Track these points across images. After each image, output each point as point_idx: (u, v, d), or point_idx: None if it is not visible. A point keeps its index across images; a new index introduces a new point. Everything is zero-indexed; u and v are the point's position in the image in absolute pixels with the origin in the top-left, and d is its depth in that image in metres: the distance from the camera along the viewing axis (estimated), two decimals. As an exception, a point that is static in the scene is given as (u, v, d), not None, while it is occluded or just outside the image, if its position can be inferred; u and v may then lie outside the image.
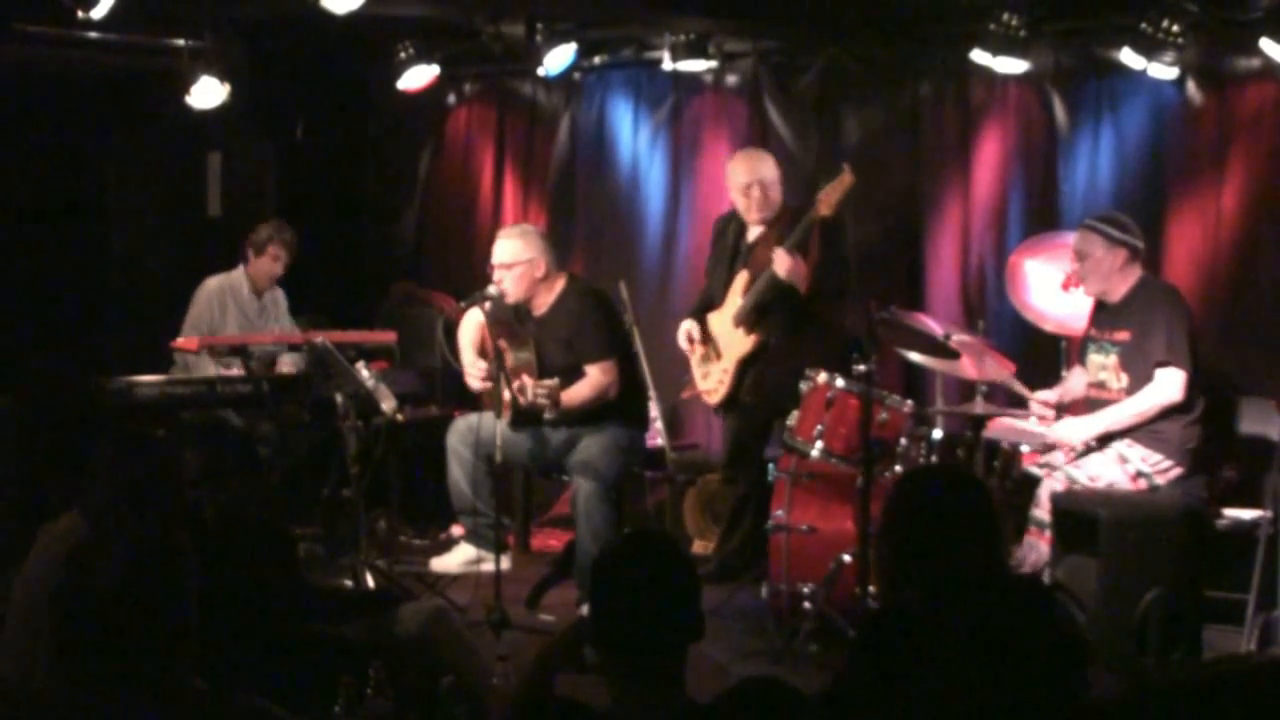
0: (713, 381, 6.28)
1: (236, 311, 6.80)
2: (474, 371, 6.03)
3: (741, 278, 6.17)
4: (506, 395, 5.67)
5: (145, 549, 2.37)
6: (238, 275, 6.88)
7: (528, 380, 5.76)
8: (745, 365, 6.16)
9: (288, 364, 6.63)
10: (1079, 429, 5.31)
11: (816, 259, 5.99)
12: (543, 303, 5.97)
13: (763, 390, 6.13)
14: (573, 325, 5.90)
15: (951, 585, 2.91)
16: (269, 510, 6.29)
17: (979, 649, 2.85)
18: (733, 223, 6.33)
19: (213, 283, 6.83)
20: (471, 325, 6.09)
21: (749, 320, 6.10)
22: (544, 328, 5.98)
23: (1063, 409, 5.63)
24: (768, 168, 6.16)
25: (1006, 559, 3.11)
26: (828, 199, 5.84)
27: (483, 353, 6.02)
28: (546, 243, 6.05)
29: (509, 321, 6.06)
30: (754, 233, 6.21)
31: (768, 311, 6.07)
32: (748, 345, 6.13)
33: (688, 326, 6.31)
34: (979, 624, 2.86)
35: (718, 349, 6.25)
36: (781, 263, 5.88)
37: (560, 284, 5.99)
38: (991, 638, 2.86)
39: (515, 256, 5.89)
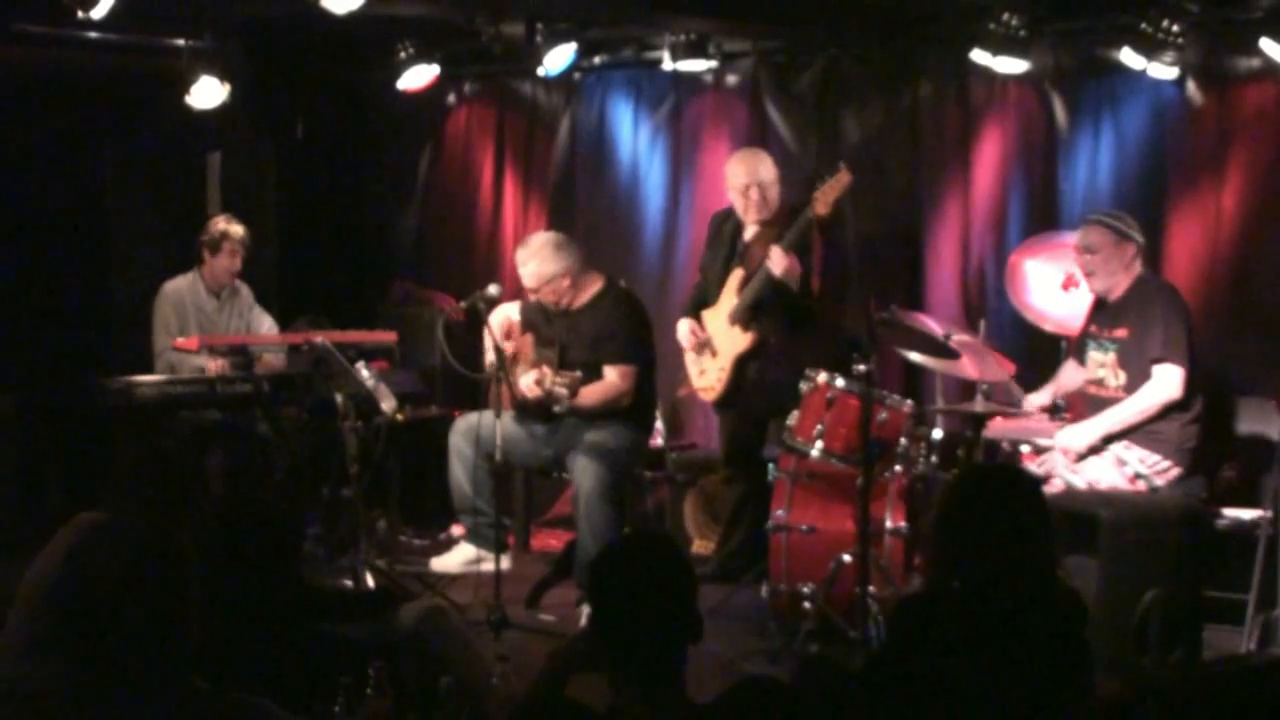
0: (710, 379, 6.29)
1: (195, 313, 6.74)
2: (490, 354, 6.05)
3: (736, 275, 6.17)
4: (507, 392, 5.67)
5: (145, 548, 2.37)
6: (192, 278, 6.81)
7: (547, 370, 5.78)
8: (742, 363, 6.17)
9: (269, 360, 6.55)
10: (1080, 435, 5.31)
11: (820, 258, 5.98)
12: (577, 300, 6.00)
13: (764, 389, 6.14)
14: (603, 328, 5.93)
15: (994, 581, 2.92)
16: (277, 509, 6.27)
17: (1004, 646, 2.86)
18: (730, 220, 6.33)
19: (169, 288, 6.78)
20: (501, 318, 6.15)
21: (744, 318, 6.11)
22: (573, 323, 6.00)
23: (1060, 410, 5.63)
24: (766, 169, 6.16)
25: (1056, 565, 3.14)
26: (824, 198, 5.82)
27: (506, 337, 6.05)
28: (566, 248, 6.01)
29: (536, 320, 6.10)
30: (750, 231, 6.22)
31: (763, 310, 6.07)
32: (744, 343, 6.13)
33: (690, 325, 6.31)
34: (1010, 623, 2.87)
35: (713, 347, 6.25)
36: (777, 262, 5.88)
37: (597, 285, 6.03)
38: (1017, 638, 2.87)
39: (539, 279, 5.94)
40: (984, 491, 3.11)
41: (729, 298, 6.20)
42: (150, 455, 3.70)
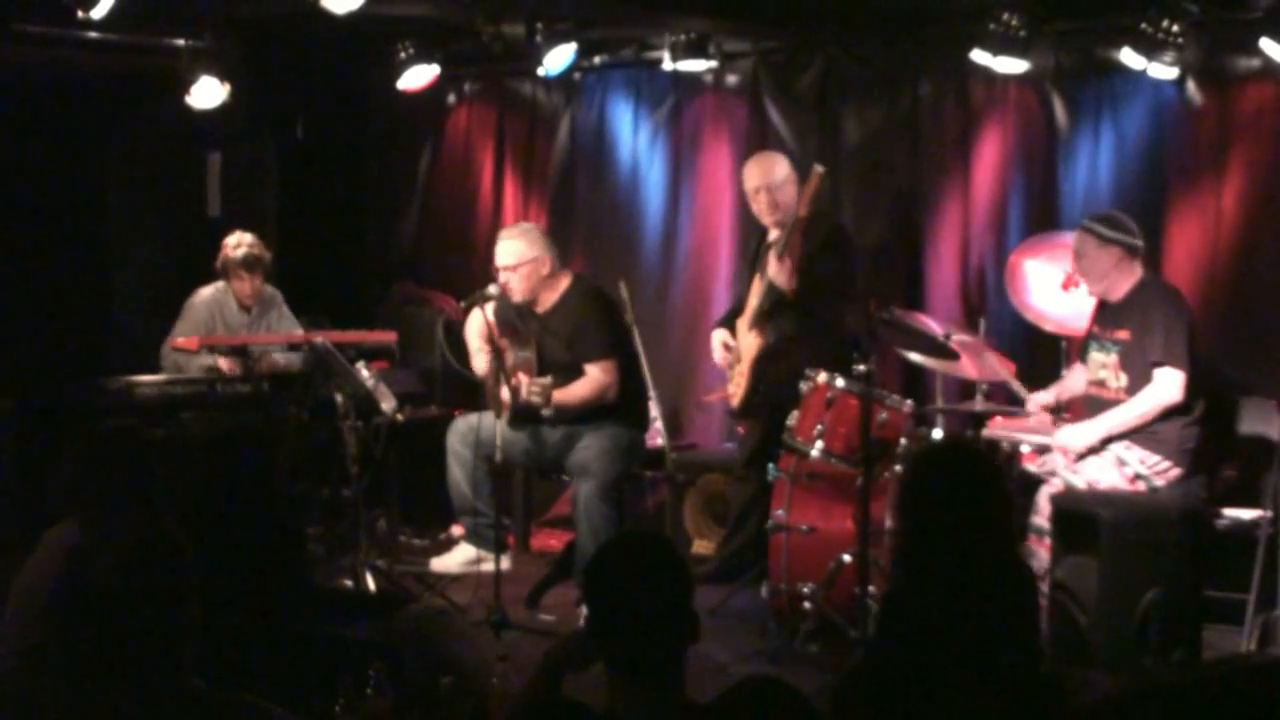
0: (733, 385, 6.29)
1: (223, 327, 6.65)
2: (480, 358, 6.04)
3: (758, 281, 6.18)
4: (505, 394, 5.68)
5: (145, 548, 2.37)
6: (224, 289, 6.71)
7: (523, 378, 5.78)
8: (759, 367, 6.16)
9: (273, 360, 6.50)
10: (1080, 435, 5.30)
11: (800, 257, 6.00)
12: (547, 300, 6.00)
13: (778, 394, 6.14)
14: (575, 324, 5.92)
15: (957, 562, 2.93)
16: (281, 510, 6.28)
17: (972, 626, 2.87)
18: (758, 231, 6.35)
19: (204, 295, 6.69)
20: (477, 323, 6.11)
21: (759, 323, 6.11)
22: (547, 325, 6.00)
23: (1061, 409, 5.63)
24: (777, 171, 6.14)
25: (1014, 538, 3.15)
26: (802, 199, 5.86)
27: (489, 347, 6.03)
28: (548, 240, 6.09)
29: (512, 320, 6.08)
30: (772, 235, 6.22)
31: (771, 316, 6.07)
32: (756, 347, 6.13)
33: (722, 336, 6.29)
34: (976, 602, 2.88)
35: (738, 353, 6.25)
36: (771, 266, 5.91)
37: (565, 282, 6.02)
38: (982, 617, 2.88)
39: (519, 257, 5.91)
40: (937, 468, 3.12)
41: (751, 304, 6.20)
42: (104, 449, 3.67)
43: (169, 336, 6.64)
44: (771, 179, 6.11)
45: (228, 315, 6.71)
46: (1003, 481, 3.12)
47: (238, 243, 6.65)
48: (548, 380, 5.76)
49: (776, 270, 5.88)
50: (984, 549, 3.00)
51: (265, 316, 6.79)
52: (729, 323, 6.33)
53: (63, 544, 3.53)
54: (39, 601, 3.35)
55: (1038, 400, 5.64)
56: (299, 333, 6.70)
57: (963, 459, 3.20)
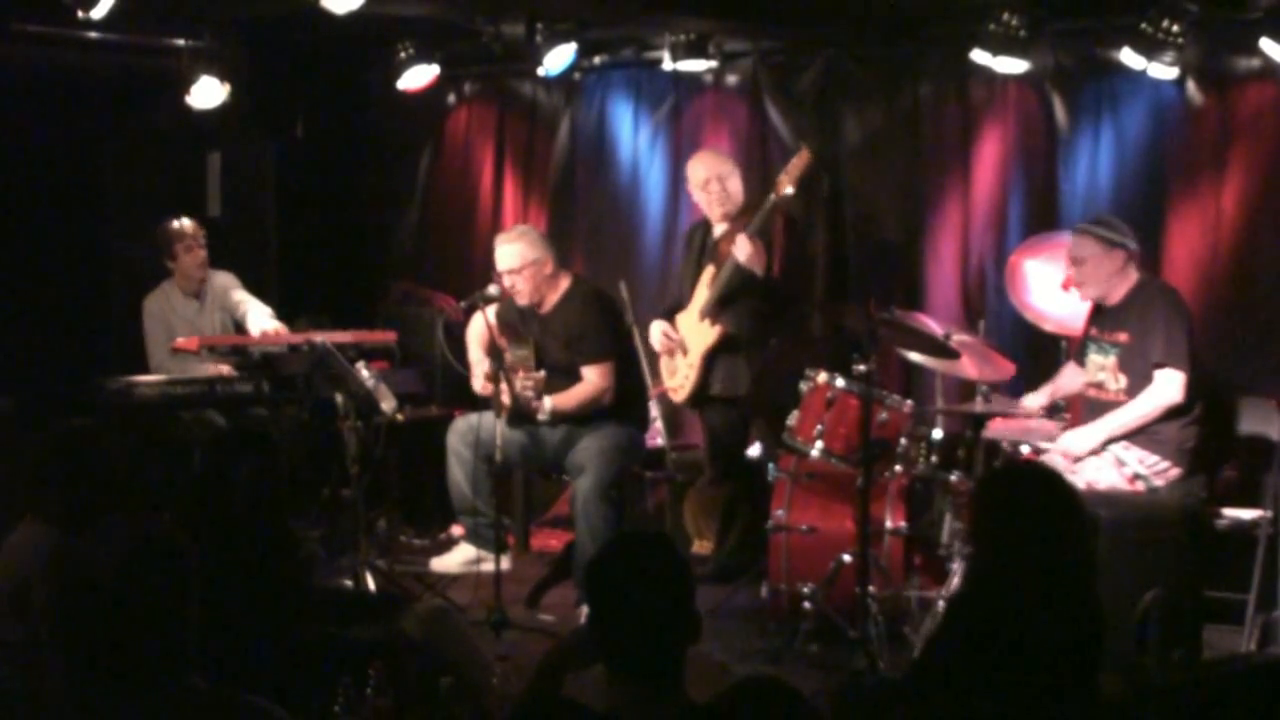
0: (679, 378, 6.32)
1: (179, 321, 6.72)
2: (479, 371, 6.06)
3: (708, 273, 6.24)
4: (505, 393, 5.68)
5: (145, 548, 2.37)
6: (167, 287, 6.81)
7: (519, 374, 5.80)
8: (711, 358, 6.19)
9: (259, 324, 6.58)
10: (1084, 439, 5.30)
11: (783, 244, 6.03)
12: (548, 301, 6.01)
13: (735, 385, 6.16)
14: (575, 326, 5.93)
15: (1020, 591, 2.90)
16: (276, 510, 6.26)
17: (1035, 653, 2.84)
18: (700, 228, 6.44)
19: (151, 301, 6.80)
20: (479, 325, 6.12)
21: (714, 312, 6.14)
22: (547, 326, 6.00)
23: (1058, 409, 5.63)
24: (724, 164, 6.28)
25: (1088, 574, 3.07)
26: (787, 177, 5.95)
27: (490, 350, 6.04)
28: (546, 240, 6.11)
29: (512, 320, 6.09)
30: (719, 229, 6.28)
31: (733, 302, 6.11)
32: (712, 337, 6.16)
33: (662, 326, 6.33)
34: (1043, 630, 2.85)
35: (684, 346, 6.28)
36: (742, 248, 5.93)
37: (565, 283, 6.03)
38: (1047, 645, 2.85)
39: (522, 259, 5.92)
40: (1006, 496, 3.09)
41: (700, 294, 6.24)
42: (69, 451, 3.68)
43: (148, 352, 6.68)
44: (722, 170, 6.24)
45: (178, 309, 6.79)
46: (1080, 513, 3.05)
47: (177, 218, 6.80)
48: (540, 374, 5.80)
49: (751, 255, 5.90)
50: (1050, 582, 2.93)
51: (217, 300, 6.85)
52: (667, 317, 6.38)
53: (31, 542, 3.55)
54: (12, 600, 3.35)
55: (1031, 404, 5.64)
56: (275, 327, 6.73)
57: (1034, 487, 3.14)
